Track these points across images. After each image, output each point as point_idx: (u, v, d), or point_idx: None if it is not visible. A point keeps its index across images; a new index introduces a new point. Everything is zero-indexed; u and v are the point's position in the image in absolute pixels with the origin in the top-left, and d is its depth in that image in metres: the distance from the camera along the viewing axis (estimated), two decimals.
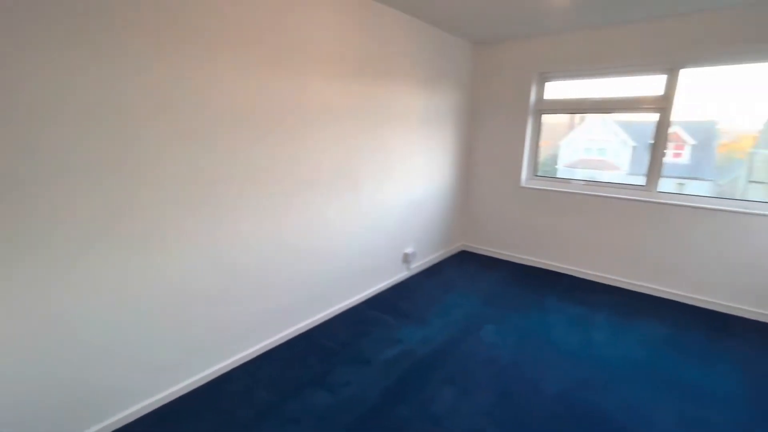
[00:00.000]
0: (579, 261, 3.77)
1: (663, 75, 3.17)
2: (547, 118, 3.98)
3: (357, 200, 2.94)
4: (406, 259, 3.65)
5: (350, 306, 3.06)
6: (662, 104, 3.20)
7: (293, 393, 2.09)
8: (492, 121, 4.09)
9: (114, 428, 1.81)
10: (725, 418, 1.97)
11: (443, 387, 2.16)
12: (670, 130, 3.26)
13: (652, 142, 3.32)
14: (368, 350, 2.50)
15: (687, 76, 3.09)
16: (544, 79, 3.81)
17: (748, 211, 2.92)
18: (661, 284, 3.35)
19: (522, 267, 4.04)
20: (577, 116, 4.36)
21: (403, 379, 2.23)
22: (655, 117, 3.27)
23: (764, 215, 2.85)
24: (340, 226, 2.83)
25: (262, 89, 2.13)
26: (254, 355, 2.39)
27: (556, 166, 4.24)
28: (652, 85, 3.26)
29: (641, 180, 3.43)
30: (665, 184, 3.37)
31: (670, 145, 3.38)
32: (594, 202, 3.60)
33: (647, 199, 3.32)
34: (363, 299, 3.18)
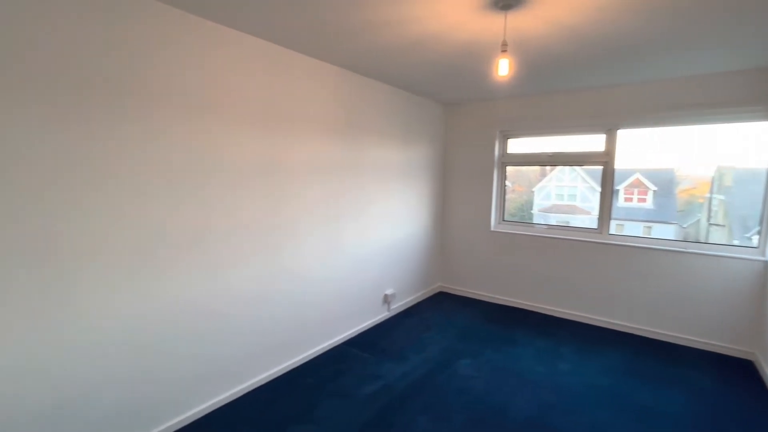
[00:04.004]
0: (545, 299, 4.06)
1: (603, 134, 3.70)
2: (521, 167, 4.44)
3: (339, 245, 3.20)
4: (387, 300, 3.85)
5: (333, 345, 3.21)
6: (605, 158, 3.70)
7: (279, 427, 2.20)
8: (463, 172, 4.53)
9: None
10: None
11: (419, 416, 2.31)
12: (632, 177, 3.70)
13: (600, 190, 3.77)
14: (350, 386, 2.63)
15: (630, 133, 3.60)
16: (506, 135, 4.33)
17: (688, 251, 3.31)
18: (619, 318, 3.65)
19: (495, 306, 4.29)
20: (548, 167, 4.88)
21: (382, 411, 2.37)
22: (600, 168, 3.75)
23: (704, 254, 3.25)
24: (322, 271, 3.06)
25: (255, 149, 2.45)
26: (239, 395, 2.49)
27: (532, 211, 4.56)
28: (595, 142, 3.79)
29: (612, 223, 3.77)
30: (632, 228, 3.69)
31: (634, 190, 3.79)
32: (556, 244, 3.97)
33: (600, 241, 3.71)
34: (345, 339, 3.33)
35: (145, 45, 1.88)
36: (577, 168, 5.12)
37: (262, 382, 2.63)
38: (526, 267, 4.16)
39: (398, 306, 4.05)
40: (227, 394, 2.43)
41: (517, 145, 4.34)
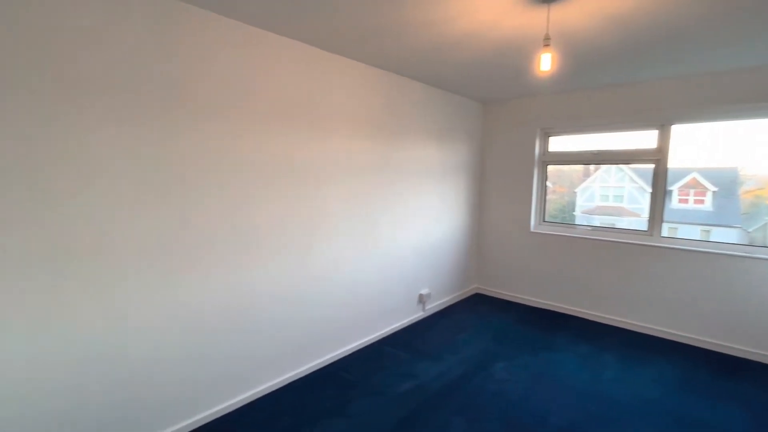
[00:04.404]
0: (588, 303, 3.88)
1: (654, 130, 3.48)
2: (562, 166, 4.28)
3: (374, 244, 3.23)
4: (422, 300, 3.84)
5: (368, 343, 3.25)
6: (657, 156, 3.47)
7: (313, 420, 2.26)
8: (501, 171, 4.43)
9: None
10: None
11: (454, 417, 2.29)
12: (688, 176, 3.45)
13: (650, 190, 3.54)
14: (383, 384, 2.66)
15: (686, 129, 3.35)
16: (547, 133, 4.17)
17: (754, 255, 3.03)
18: (669, 326, 3.41)
19: (533, 309, 4.15)
20: (591, 165, 4.65)
21: (416, 410, 2.37)
22: (651, 167, 3.52)
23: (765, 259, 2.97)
24: (358, 269, 3.11)
25: (290, 148, 2.54)
26: (278, 386, 2.59)
27: (574, 213, 4.31)
28: (646, 138, 3.56)
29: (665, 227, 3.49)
30: (688, 232, 3.38)
31: (690, 191, 3.52)
32: (600, 246, 3.77)
33: (650, 243, 3.49)
34: (380, 337, 3.37)
35: (190, 52, 2.00)
36: (624, 167, 4.81)
37: (299, 376, 2.72)
38: (567, 270, 4.00)
39: (433, 306, 4.02)
40: (267, 385, 2.53)
41: (559, 144, 4.17)
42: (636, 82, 3.38)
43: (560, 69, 2.99)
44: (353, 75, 2.88)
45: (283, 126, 2.46)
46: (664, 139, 3.43)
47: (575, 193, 5.34)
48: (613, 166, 5.15)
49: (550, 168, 4.29)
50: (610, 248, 3.72)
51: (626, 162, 3.85)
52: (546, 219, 4.28)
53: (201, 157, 2.07)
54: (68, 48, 1.61)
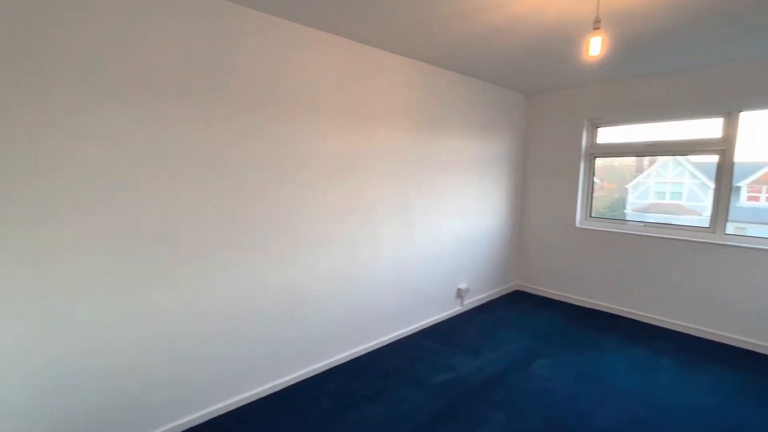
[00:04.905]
0: (639, 303, 3.66)
1: (719, 118, 3.20)
2: (612, 161, 4.06)
3: (414, 237, 3.24)
4: (460, 294, 3.80)
5: (405, 335, 3.27)
6: (722, 146, 3.19)
7: (354, 404, 2.33)
8: (545, 164, 4.27)
9: (208, 418, 2.17)
10: None
11: (492, 411, 2.26)
12: (760, 171, 3.16)
13: (713, 186, 3.26)
14: (421, 374, 2.67)
15: (758, 116, 3.05)
16: (595, 124, 3.96)
17: None
18: (732, 331, 3.14)
19: (578, 308, 3.98)
20: (645, 159, 4.34)
21: (453, 402, 2.36)
22: (714, 159, 3.25)
23: None
24: (397, 260, 3.13)
25: (336, 142, 2.60)
26: (319, 371, 2.68)
27: (624, 211, 4.06)
28: (708, 128, 3.28)
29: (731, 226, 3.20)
30: (757, 232, 3.08)
31: (763, 188, 3.22)
32: (654, 244, 3.54)
33: (712, 241, 3.22)
34: (417, 329, 3.38)
35: (274, 61, 2.19)
36: (684, 161, 4.43)
37: (340, 362, 2.80)
38: (616, 268, 3.79)
39: (472, 301, 3.97)
40: (309, 369, 2.64)
41: (608, 135, 3.95)
42: (699, 65, 3.12)
43: (610, 54, 2.82)
44: (394, 69, 2.90)
45: (332, 120, 2.54)
46: (730, 127, 3.15)
47: (626, 189, 4.98)
48: (671, 160, 4.78)
49: (598, 163, 4.07)
50: (665, 246, 3.47)
51: (685, 153, 3.57)
52: (592, 215, 4.08)
53: (265, 152, 2.22)
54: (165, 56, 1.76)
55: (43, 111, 1.57)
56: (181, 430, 2.08)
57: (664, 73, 3.31)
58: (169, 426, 2.04)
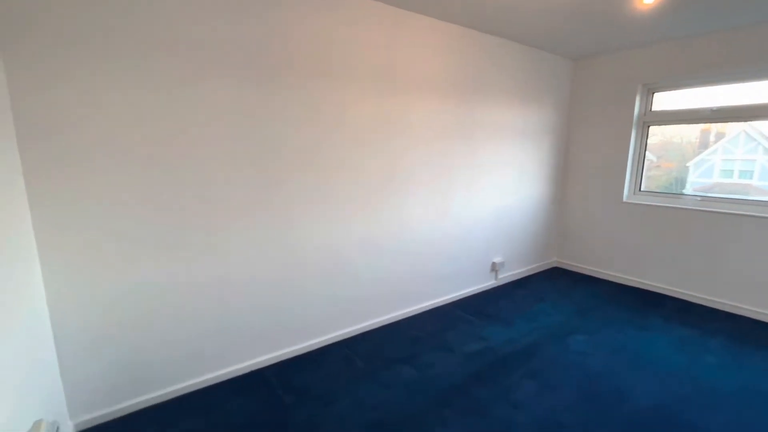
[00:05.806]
0: (690, 284, 3.43)
1: None
2: (672, 137, 3.74)
3: (450, 207, 3.21)
4: (494, 268, 3.75)
5: (438, 305, 3.30)
6: None
7: (385, 366, 2.41)
8: (591, 135, 4.01)
9: (250, 370, 2.33)
10: None
11: (525, 380, 2.25)
12: None
13: None
14: (453, 342, 2.70)
15: None
16: (650, 89, 3.65)
17: None
18: None
19: (621, 286, 3.80)
20: (711, 134, 3.93)
21: (485, 368, 2.38)
22: None
23: None
24: (432, 230, 3.13)
25: (373, 109, 2.59)
26: (352, 334, 2.78)
27: (684, 191, 3.75)
28: None
29: None
30: None
31: None
32: (713, 221, 3.27)
33: None
34: (450, 300, 3.39)
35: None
36: (758, 136, 3.95)
37: (375, 326, 2.89)
38: (666, 245, 3.55)
39: (507, 276, 3.91)
40: (344, 330, 2.74)
41: (665, 101, 3.62)
42: None
43: (666, 6, 2.54)
44: (433, 34, 2.81)
45: (374, 89, 2.54)
46: None
47: (687, 168, 4.51)
48: (743, 134, 4.29)
49: (655, 140, 3.76)
50: (725, 222, 3.20)
51: (756, 118, 3.20)
52: (642, 189, 3.82)
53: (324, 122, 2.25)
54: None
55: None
56: (227, 378, 2.26)
57: (732, 28, 2.95)
58: (216, 374, 2.23)
